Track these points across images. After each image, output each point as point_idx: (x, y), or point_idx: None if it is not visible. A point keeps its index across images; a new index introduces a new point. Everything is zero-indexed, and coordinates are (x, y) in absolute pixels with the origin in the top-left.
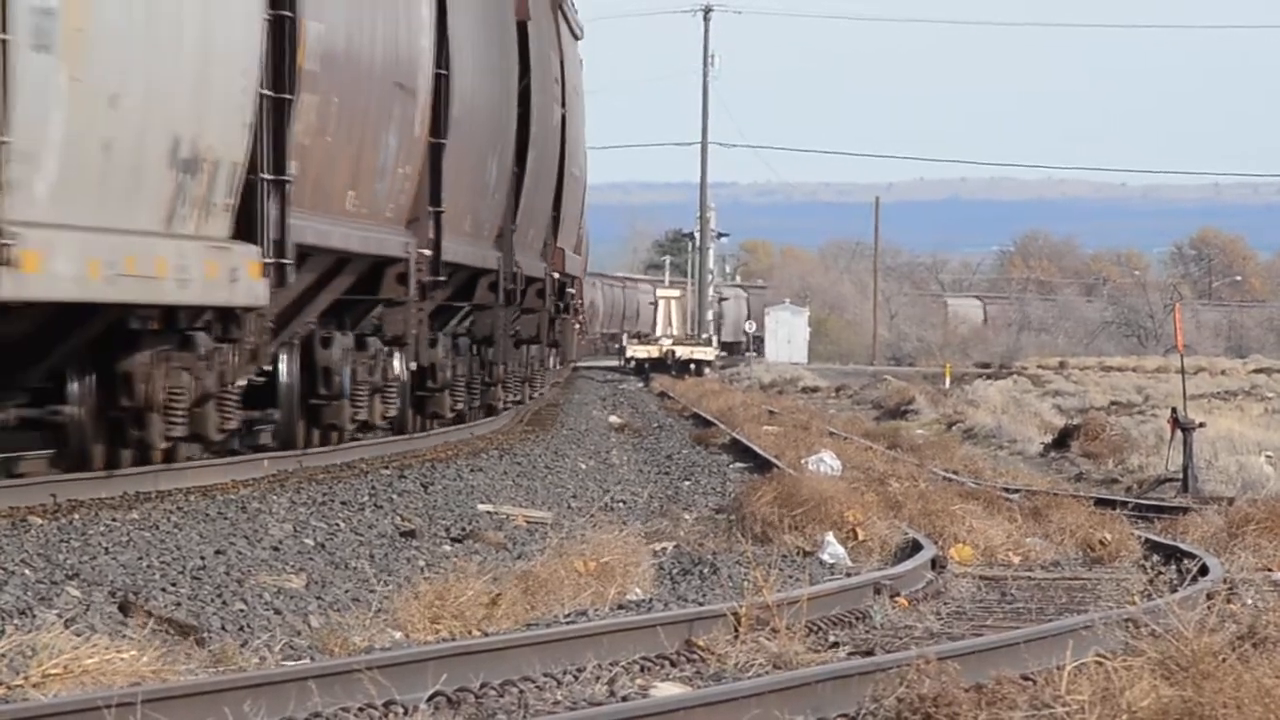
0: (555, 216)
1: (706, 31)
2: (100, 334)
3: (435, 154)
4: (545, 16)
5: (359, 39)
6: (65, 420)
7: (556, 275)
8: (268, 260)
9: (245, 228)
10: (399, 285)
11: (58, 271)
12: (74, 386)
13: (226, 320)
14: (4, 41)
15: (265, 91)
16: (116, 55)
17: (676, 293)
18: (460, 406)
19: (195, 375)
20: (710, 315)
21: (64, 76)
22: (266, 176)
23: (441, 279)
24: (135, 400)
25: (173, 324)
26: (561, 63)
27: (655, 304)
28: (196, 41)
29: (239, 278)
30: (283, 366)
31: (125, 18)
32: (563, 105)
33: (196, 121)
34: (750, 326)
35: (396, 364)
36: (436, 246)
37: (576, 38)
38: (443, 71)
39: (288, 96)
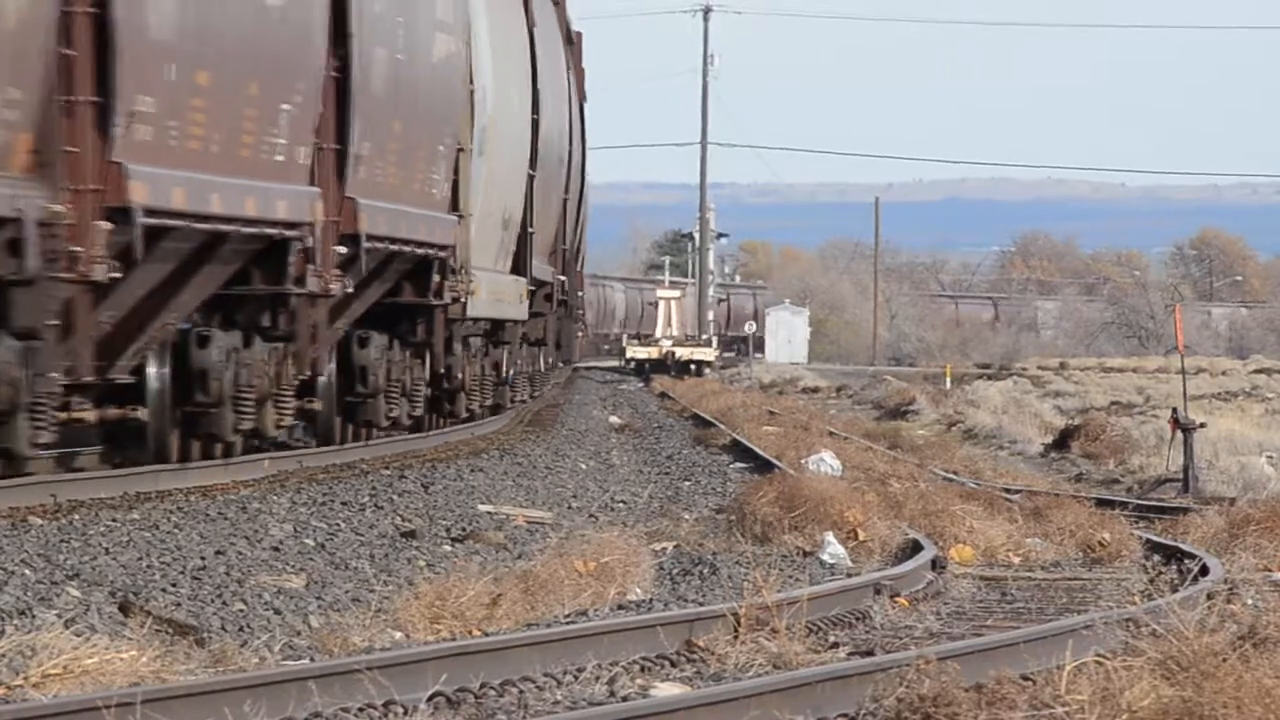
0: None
1: (706, 31)
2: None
3: (564, 206)
4: (585, 93)
5: (553, 129)
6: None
7: (581, 294)
8: (531, 288)
9: (514, 266)
10: (546, 302)
11: (482, 297)
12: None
13: (498, 329)
14: (470, 150)
15: (529, 171)
16: (496, 151)
17: (676, 293)
18: (536, 395)
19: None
20: (711, 316)
21: (485, 170)
22: (531, 230)
23: (565, 298)
24: (453, 384)
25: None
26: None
27: (655, 304)
28: (516, 139)
29: (521, 301)
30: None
31: (497, 123)
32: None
33: (511, 195)
34: (750, 327)
35: (542, 359)
36: (565, 273)
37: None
38: (572, 147)
39: (533, 173)
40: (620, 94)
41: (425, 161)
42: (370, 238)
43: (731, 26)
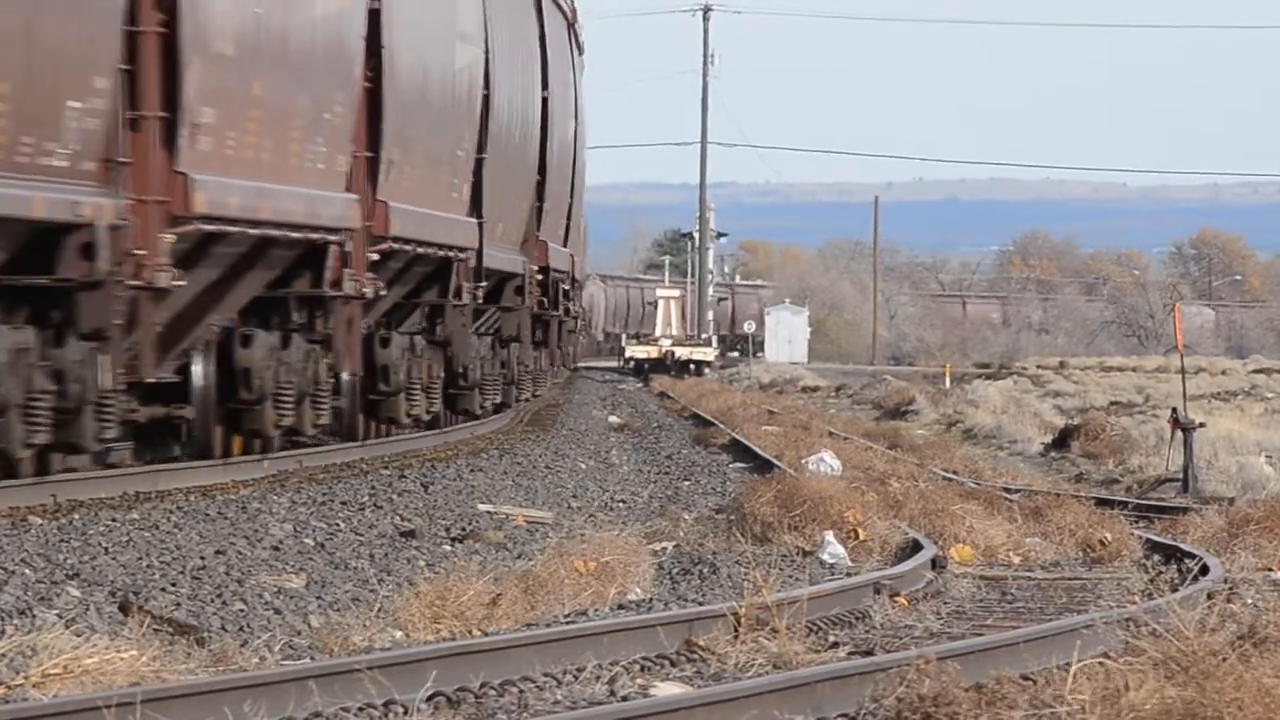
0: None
1: (706, 31)
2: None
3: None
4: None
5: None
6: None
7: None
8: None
9: None
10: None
11: (571, 309)
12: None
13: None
14: (573, 203)
15: (582, 212)
16: (580, 198)
17: (676, 293)
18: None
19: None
20: (710, 315)
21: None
22: (577, 257)
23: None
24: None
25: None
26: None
27: (655, 304)
28: (578, 183)
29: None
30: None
31: (554, 193)
32: None
33: (571, 227)
34: (749, 327)
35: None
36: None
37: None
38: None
39: (583, 215)
40: (620, 94)
41: (570, 215)
42: (554, 271)
43: (731, 26)
